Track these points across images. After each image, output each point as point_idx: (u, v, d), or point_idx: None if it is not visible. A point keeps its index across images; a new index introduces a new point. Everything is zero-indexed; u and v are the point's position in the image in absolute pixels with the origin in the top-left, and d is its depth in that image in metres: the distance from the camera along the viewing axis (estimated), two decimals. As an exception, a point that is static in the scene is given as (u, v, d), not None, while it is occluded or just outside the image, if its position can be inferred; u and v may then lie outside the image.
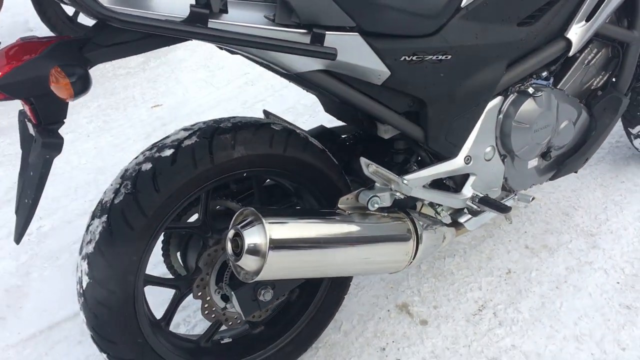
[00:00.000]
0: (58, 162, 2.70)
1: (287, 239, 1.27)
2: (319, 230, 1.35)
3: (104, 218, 1.35)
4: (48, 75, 1.15)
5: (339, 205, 1.47)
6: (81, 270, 1.38)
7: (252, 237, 1.25)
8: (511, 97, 1.73)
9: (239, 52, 1.35)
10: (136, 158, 1.42)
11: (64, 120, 1.27)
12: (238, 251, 1.27)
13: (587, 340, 1.87)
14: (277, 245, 1.24)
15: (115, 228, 1.34)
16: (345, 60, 1.35)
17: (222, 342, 1.70)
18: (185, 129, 1.45)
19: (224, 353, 1.67)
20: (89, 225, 1.39)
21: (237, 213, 1.33)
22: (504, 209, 1.65)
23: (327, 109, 1.85)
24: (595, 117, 1.99)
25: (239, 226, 1.28)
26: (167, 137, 1.45)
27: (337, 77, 1.41)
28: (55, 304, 2.07)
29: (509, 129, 1.73)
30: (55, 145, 1.24)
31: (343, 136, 1.87)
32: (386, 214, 1.51)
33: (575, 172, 2.09)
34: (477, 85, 1.60)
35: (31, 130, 1.28)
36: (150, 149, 1.43)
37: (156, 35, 1.23)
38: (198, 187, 1.40)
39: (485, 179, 1.77)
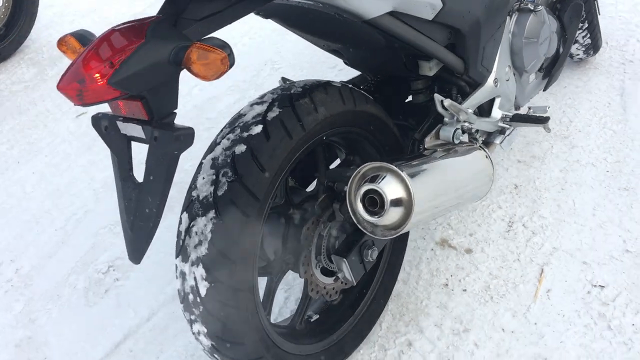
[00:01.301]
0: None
1: (422, 183, 1.24)
2: (441, 168, 1.34)
3: (211, 214, 1.22)
4: (178, 58, 1.01)
5: (425, 146, 1.46)
6: (194, 278, 1.24)
7: (393, 188, 1.19)
8: (515, 17, 1.81)
9: None
10: (219, 144, 1.29)
11: (176, 111, 1.12)
12: (376, 209, 1.21)
13: (609, 226, 2.06)
14: (417, 191, 1.20)
15: (229, 220, 1.21)
16: None
17: (312, 320, 1.63)
18: (257, 103, 1.34)
19: (320, 329, 1.60)
20: (189, 228, 1.25)
21: (356, 173, 1.26)
22: (544, 120, 1.73)
23: (353, 63, 1.80)
24: (565, 25, 2.15)
25: (371, 182, 1.22)
26: (242, 115, 1.33)
27: (399, 18, 1.39)
28: (85, 343, 1.84)
29: (520, 46, 1.81)
30: (187, 135, 1.09)
31: (361, 87, 1.85)
32: (465, 145, 1.52)
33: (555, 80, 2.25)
34: (498, 5, 1.65)
35: (133, 132, 1.11)
36: (232, 130, 1.30)
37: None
38: (294, 157, 1.32)
39: (506, 98, 1.84)
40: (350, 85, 1.51)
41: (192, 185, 1.29)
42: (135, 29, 1.05)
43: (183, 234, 1.27)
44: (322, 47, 1.74)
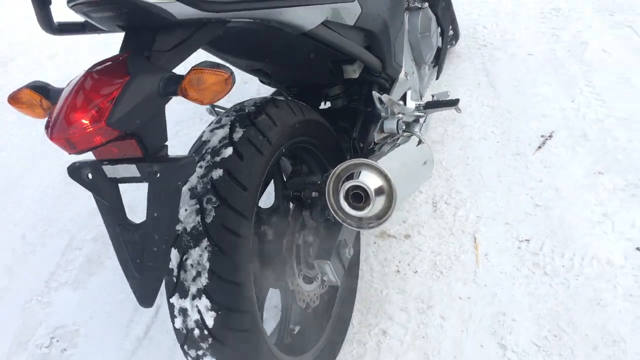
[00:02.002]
0: None
1: (391, 170, 1.31)
2: (398, 156, 1.43)
3: (205, 242, 1.20)
4: (170, 88, 0.99)
5: (375, 140, 1.55)
6: (198, 311, 1.21)
7: (373, 179, 1.26)
8: (407, 15, 1.98)
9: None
10: (194, 174, 1.28)
11: (166, 143, 1.09)
12: (361, 203, 1.27)
13: (515, 187, 2.30)
14: (393, 177, 1.28)
15: (225, 245, 1.20)
16: (341, 5, 1.42)
17: (295, 332, 1.64)
18: (217, 127, 1.35)
19: (306, 338, 1.62)
20: (183, 262, 1.22)
21: (331, 174, 1.31)
22: (455, 102, 1.90)
23: (277, 79, 1.84)
24: (440, 19, 2.38)
25: (349, 180, 1.28)
26: (206, 141, 1.32)
27: (330, 27, 1.47)
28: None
29: (418, 41, 1.98)
30: (190, 164, 1.06)
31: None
32: (404, 134, 1.63)
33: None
34: (397, 5, 1.80)
35: (125, 173, 1.06)
36: (201, 158, 1.29)
37: (205, 25, 1.14)
38: (266, 172, 1.34)
39: (414, 89, 2.00)
40: (291, 98, 1.56)
41: (180, 218, 1.25)
42: (112, 68, 1.02)
43: (176, 270, 1.23)
44: (243, 68, 1.77)
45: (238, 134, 1.31)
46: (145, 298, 1.12)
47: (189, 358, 1.28)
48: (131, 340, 1.85)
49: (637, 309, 1.79)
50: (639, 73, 2.94)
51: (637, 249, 1.99)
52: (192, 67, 1.00)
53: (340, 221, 1.33)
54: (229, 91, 1.02)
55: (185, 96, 1.01)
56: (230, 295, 1.21)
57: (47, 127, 1.00)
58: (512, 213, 2.18)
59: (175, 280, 1.23)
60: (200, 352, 1.25)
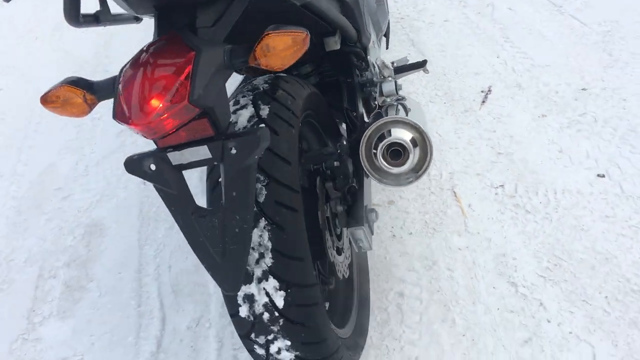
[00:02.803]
0: None
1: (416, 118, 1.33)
2: (411, 112, 1.44)
3: (262, 222, 1.15)
4: (240, 58, 0.93)
5: (379, 103, 1.55)
6: (266, 293, 1.16)
7: (406, 134, 1.27)
8: (362, -18, 2.00)
9: None
10: None
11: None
12: (400, 159, 1.27)
13: (474, 140, 2.40)
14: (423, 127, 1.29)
15: (283, 221, 1.15)
16: None
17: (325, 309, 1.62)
18: (237, 108, 1.29)
19: (340, 312, 1.60)
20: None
21: (363, 138, 1.30)
22: (422, 64, 1.95)
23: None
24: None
25: (382, 140, 1.27)
26: (231, 123, 1.26)
27: None
28: None
29: (375, 9, 2.00)
30: (265, 134, 1.00)
31: None
32: (397, 96, 1.65)
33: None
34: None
35: (193, 156, 0.99)
36: None
37: None
38: (299, 144, 1.30)
39: (380, 57, 2.03)
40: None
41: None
42: (168, 47, 0.95)
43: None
44: None
45: (264, 111, 1.26)
46: (232, 283, 1.06)
47: (255, 347, 1.22)
48: (145, 357, 1.73)
49: (616, 227, 1.94)
50: (546, 25, 3.17)
51: (598, 175, 2.16)
52: (264, 33, 0.95)
53: (378, 182, 1.32)
54: (304, 52, 0.98)
55: (258, 65, 0.96)
56: (296, 271, 1.17)
57: (116, 116, 0.91)
58: (479, 164, 2.28)
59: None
60: (270, 337, 1.20)
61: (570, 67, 2.79)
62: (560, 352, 1.60)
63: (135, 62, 0.94)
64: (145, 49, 0.97)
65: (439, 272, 1.87)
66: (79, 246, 2.12)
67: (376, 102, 1.58)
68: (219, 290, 1.87)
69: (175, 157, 1.00)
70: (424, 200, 2.16)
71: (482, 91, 2.70)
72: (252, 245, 1.16)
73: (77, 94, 0.98)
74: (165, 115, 0.89)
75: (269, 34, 0.94)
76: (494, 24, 3.24)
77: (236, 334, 1.63)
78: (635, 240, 1.88)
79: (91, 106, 1.00)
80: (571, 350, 1.60)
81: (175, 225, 2.02)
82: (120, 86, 0.93)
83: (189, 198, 1.03)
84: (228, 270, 1.05)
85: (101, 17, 1.13)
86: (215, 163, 1.03)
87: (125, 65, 0.97)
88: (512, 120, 2.49)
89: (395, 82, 1.61)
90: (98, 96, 1.00)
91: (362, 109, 1.72)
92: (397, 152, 1.27)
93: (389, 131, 1.29)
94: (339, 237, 1.51)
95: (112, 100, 1.01)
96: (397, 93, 1.61)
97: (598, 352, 1.59)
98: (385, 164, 1.28)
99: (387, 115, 1.46)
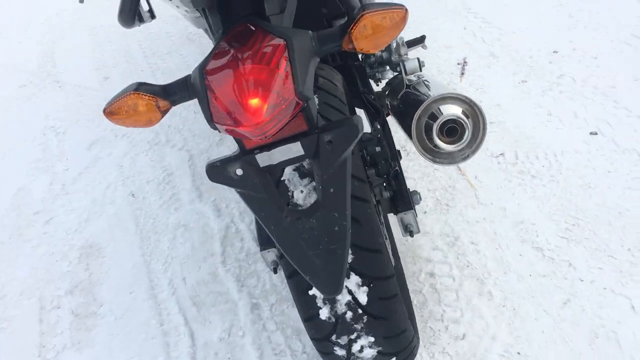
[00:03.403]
0: None
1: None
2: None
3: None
4: (334, 42, 0.86)
5: (406, 82, 1.51)
6: (349, 292, 1.10)
7: (457, 109, 1.23)
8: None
9: None
10: None
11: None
12: (457, 136, 1.23)
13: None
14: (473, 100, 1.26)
15: (358, 214, 1.10)
16: None
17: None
18: None
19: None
20: None
21: (413, 120, 1.24)
22: (420, 40, 1.91)
23: None
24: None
25: (435, 117, 1.23)
26: None
27: None
28: None
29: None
30: (359, 122, 0.93)
31: None
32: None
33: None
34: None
35: (284, 155, 0.91)
36: None
37: None
38: None
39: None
40: None
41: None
42: (250, 38, 0.86)
43: None
44: None
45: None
46: (334, 286, 0.99)
47: (336, 348, 1.16)
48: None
49: (620, 181, 1.99)
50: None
51: (591, 133, 2.21)
52: (360, 13, 0.88)
53: (432, 162, 1.28)
54: (402, 29, 0.91)
55: (352, 48, 0.89)
56: (376, 264, 1.12)
57: (213, 119, 0.82)
58: (474, 135, 2.28)
59: None
60: (353, 336, 1.14)
61: (536, 31, 2.84)
62: (600, 308, 1.62)
63: (219, 59, 0.85)
64: (221, 44, 0.88)
65: (463, 247, 1.85)
66: (77, 270, 1.96)
67: (403, 82, 1.53)
68: (245, 296, 1.79)
69: (264, 159, 0.92)
70: (430, 178, 2.13)
71: (458, 63, 2.70)
72: None
73: (148, 100, 0.88)
74: (276, 112, 0.81)
75: (365, 14, 0.87)
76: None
77: (276, 339, 1.57)
78: (642, 192, 1.93)
79: (163, 113, 0.90)
80: (610, 305, 1.62)
81: (179, 235, 1.92)
82: (210, 87, 0.84)
83: (279, 201, 0.95)
84: (329, 273, 0.98)
85: (151, 14, 1.02)
86: (307, 160, 0.96)
87: (205, 64, 0.87)
88: (495, 89, 2.50)
89: (418, 59, 1.57)
90: (172, 100, 0.90)
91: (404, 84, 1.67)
92: (451, 129, 1.23)
93: (439, 109, 1.24)
94: (384, 225, 1.46)
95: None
96: (420, 70, 1.57)
97: (635, 303, 1.62)
98: (444, 144, 1.23)
99: (418, 93, 1.42)
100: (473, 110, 1.26)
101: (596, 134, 2.20)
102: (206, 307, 1.79)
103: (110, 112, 0.90)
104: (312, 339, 1.19)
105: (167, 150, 2.42)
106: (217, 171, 0.93)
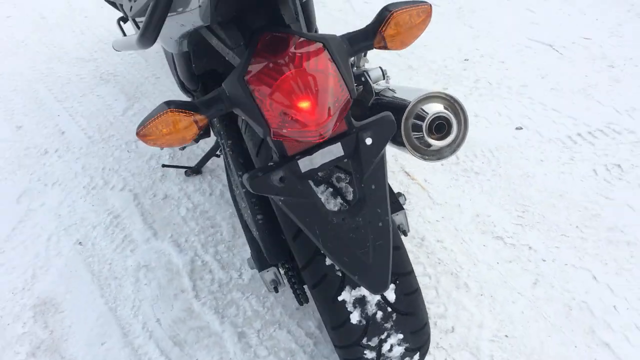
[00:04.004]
0: None
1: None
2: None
3: None
4: (362, 45, 0.88)
5: (375, 91, 1.56)
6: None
7: (439, 104, 1.29)
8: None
9: None
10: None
11: None
12: (444, 132, 1.29)
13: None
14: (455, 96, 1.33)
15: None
16: None
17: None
18: None
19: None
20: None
21: (402, 121, 1.29)
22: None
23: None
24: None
25: (422, 117, 1.28)
26: None
27: None
28: None
29: None
30: (391, 117, 0.94)
31: None
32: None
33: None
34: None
35: (325, 158, 0.92)
36: None
37: None
38: None
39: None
40: None
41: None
42: (283, 45, 0.86)
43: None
44: None
45: None
46: (383, 282, 1.00)
47: (366, 352, 1.16)
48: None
49: (553, 167, 2.16)
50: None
51: (517, 128, 2.39)
52: (390, 12, 0.90)
53: (422, 159, 1.33)
54: (428, 24, 0.95)
55: (384, 46, 0.91)
56: (399, 261, 1.14)
57: (272, 134, 0.81)
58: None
59: (340, 274, 1.10)
60: (383, 336, 1.15)
61: (445, 43, 3.03)
62: (567, 283, 1.75)
63: (260, 68, 0.84)
64: (256, 53, 0.87)
65: (431, 246, 1.92)
66: (35, 330, 1.79)
67: (372, 91, 1.58)
68: (228, 326, 1.73)
69: (305, 164, 0.92)
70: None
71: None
72: None
73: (185, 117, 0.85)
74: (336, 110, 0.82)
75: (395, 12, 0.91)
76: (356, 15, 3.40)
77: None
78: (575, 175, 2.12)
79: (200, 129, 0.88)
80: (574, 279, 1.75)
81: (142, 277, 1.83)
82: (259, 95, 0.83)
83: (322, 204, 0.95)
84: (378, 269, 0.99)
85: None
86: (345, 160, 0.96)
87: (242, 74, 0.86)
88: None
89: (381, 68, 1.62)
90: (208, 115, 0.88)
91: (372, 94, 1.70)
92: (439, 126, 1.29)
93: (422, 109, 1.30)
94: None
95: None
96: (384, 78, 1.63)
97: (595, 273, 1.77)
98: (435, 141, 1.29)
99: (391, 98, 1.47)
100: (452, 104, 1.32)
101: (521, 128, 2.37)
102: (189, 345, 1.71)
103: (145, 134, 0.86)
104: (340, 347, 1.18)
105: (107, 193, 2.29)
106: (260, 181, 0.91)
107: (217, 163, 2.37)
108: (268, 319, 1.74)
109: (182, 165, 2.35)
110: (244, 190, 1.38)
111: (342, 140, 0.93)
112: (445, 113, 1.29)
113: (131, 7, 1.25)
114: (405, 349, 1.19)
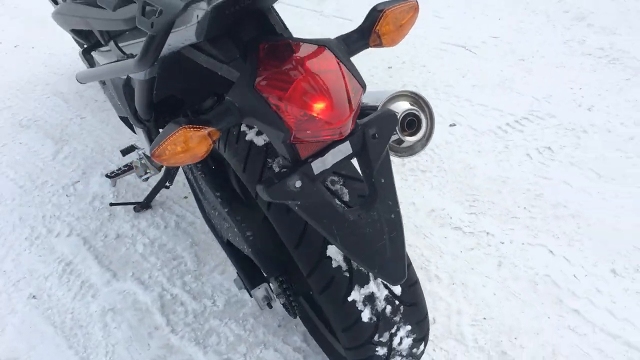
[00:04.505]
0: None
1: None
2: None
3: None
4: (357, 45, 0.90)
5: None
6: (385, 286, 1.13)
7: (406, 102, 1.34)
8: None
9: None
10: None
11: None
12: (415, 127, 1.34)
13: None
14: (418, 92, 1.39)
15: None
16: None
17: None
18: None
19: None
20: None
21: (378, 111, 1.33)
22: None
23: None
24: None
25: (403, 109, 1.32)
26: None
27: None
28: None
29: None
30: (391, 110, 0.97)
31: None
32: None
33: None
34: None
35: (335, 158, 0.94)
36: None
37: None
38: None
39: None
40: None
41: None
42: (285, 52, 0.88)
43: (344, 263, 1.11)
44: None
45: None
46: (400, 272, 1.03)
47: (378, 349, 1.18)
48: None
49: (491, 157, 2.29)
50: (318, 27, 3.49)
51: (451, 125, 2.51)
52: (381, 11, 0.94)
53: (398, 156, 1.37)
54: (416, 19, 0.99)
55: (379, 44, 0.95)
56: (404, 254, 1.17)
57: (294, 129, 0.82)
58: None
59: (348, 275, 1.11)
60: (393, 330, 1.17)
61: (367, 53, 3.13)
62: (527, 261, 1.85)
63: (268, 76, 0.85)
64: (258, 64, 0.88)
65: (395, 245, 1.97)
66: (2, 396, 1.66)
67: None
68: (212, 355, 1.69)
69: (318, 166, 0.93)
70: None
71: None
72: None
73: (200, 132, 0.84)
74: (355, 105, 0.84)
75: (387, 10, 0.94)
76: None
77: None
78: (512, 161, 2.25)
79: (214, 142, 0.87)
80: (534, 256, 1.86)
81: (110, 320, 1.76)
82: (274, 101, 0.83)
83: (337, 203, 0.96)
84: (395, 260, 1.02)
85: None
86: (353, 158, 0.98)
87: (251, 85, 0.86)
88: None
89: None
90: (221, 128, 0.87)
91: None
92: (410, 122, 1.34)
93: (392, 109, 1.35)
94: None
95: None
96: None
97: (551, 248, 1.89)
98: (408, 137, 1.34)
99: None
100: (417, 100, 1.39)
101: (455, 125, 2.50)
102: (176, 381, 1.65)
103: (159, 154, 0.85)
104: (350, 348, 1.18)
105: (53, 241, 2.17)
106: (279, 189, 0.91)
107: (166, 195, 2.31)
108: (252, 341, 1.71)
109: (130, 201, 2.27)
110: (225, 210, 1.37)
111: (350, 138, 0.95)
112: (414, 109, 1.34)
113: (109, 33, 1.20)
114: (413, 340, 1.21)
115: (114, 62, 1.02)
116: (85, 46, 1.39)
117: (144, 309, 1.86)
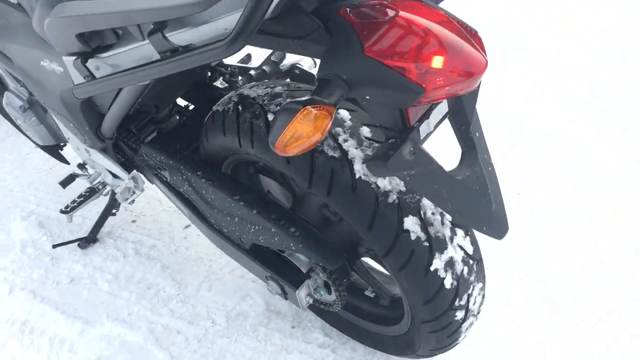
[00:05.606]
0: None
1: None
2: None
3: None
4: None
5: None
6: (461, 247, 1.12)
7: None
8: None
9: None
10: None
11: None
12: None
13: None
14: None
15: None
16: None
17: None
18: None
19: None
20: (425, 218, 1.06)
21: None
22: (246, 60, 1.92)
23: None
24: None
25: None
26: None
27: None
28: None
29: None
30: None
31: None
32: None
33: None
34: None
35: (437, 117, 0.88)
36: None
37: None
38: None
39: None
40: None
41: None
42: (377, 12, 0.81)
43: (422, 233, 1.07)
44: None
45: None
46: (505, 225, 1.01)
47: (456, 313, 1.16)
48: None
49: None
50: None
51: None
52: None
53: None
54: None
55: None
56: None
57: (428, 87, 0.76)
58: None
59: (427, 244, 1.07)
60: (470, 290, 1.16)
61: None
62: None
63: (379, 39, 0.78)
64: (356, 30, 0.80)
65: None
66: None
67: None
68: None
69: (424, 129, 0.87)
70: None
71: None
72: (431, 212, 1.09)
73: (320, 111, 0.76)
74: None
75: None
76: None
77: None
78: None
79: (331, 120, 0.78)
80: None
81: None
82: (404, 64, 0.76)
83: (441, 166, 0.92)
84: (499, 213, 1.00)
85: None
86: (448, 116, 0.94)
87: (359, 53, 0.77)
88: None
89: (311, 57, 1.60)
90: (335, 103, 0.78)
91: None
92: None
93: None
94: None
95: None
96: (315, 65, 1.61)
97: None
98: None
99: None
100: None
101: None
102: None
103: (285, 144, 0.75)
104: (432, 320, 1.15)
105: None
106: (395, 161, 0.83)
107: (110, 224, 2.08)
108: (271, 350, 1.61)
109: (72, 239, 2.01)
110: (254, 211, 1.25)
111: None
112: None
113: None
114: (482, 297, 1.21)
115: (187, 51, 0.84)
116: (88, 51, 1.12)
117: (137, 349, 1.66)
